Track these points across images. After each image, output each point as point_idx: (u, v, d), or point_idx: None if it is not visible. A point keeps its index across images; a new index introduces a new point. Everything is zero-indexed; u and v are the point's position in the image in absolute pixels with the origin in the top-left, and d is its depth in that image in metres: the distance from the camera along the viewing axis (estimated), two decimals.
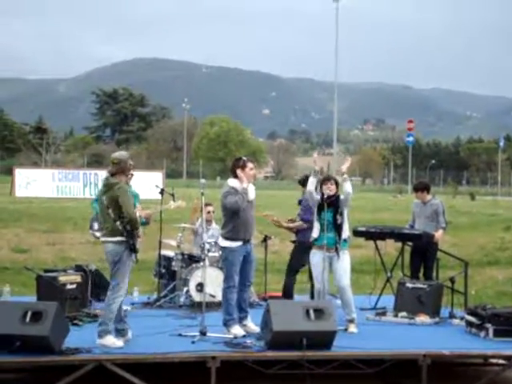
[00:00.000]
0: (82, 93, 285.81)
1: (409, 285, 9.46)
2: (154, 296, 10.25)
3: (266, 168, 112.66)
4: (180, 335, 7.89)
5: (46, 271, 9.60)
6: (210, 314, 8.31)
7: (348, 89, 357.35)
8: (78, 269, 9.60)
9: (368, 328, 8.67)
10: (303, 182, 9.86)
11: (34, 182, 36.40)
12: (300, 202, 10.02)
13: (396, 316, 9.24)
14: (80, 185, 36.87)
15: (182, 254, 10.36)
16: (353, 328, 8.49)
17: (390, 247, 10.93)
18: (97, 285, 9.68)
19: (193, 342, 7.50)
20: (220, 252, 9.08)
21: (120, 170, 7.60)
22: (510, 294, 13.25)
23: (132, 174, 8.30)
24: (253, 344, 7.49)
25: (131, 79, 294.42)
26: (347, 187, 8.43)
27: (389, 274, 10.39)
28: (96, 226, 9.80)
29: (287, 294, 9.93)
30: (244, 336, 7.89)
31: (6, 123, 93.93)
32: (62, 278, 8.96)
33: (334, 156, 63.83)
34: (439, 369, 7.64)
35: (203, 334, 7.68)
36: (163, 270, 10.44)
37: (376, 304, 10.04)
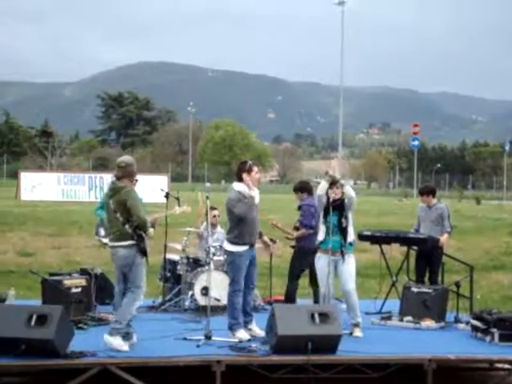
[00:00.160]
0: (88, 96, 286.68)
1: (414, 289, 9.44)
2: (159, 300, 10.26)
3: (272, 172, 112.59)
4: (185, 339, 7.88)
5: (51, 275, 9.61)
6: (215, 318, 8.31)
7: (353, 93, 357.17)
8: (83, 272, 9.61)
9: (373, 332, 8.67)
10: (300, 189, 9.89)
11: (39, 186, 36.40)
12: (300, 208, 10.01)
13: (401, 320, 9.23)
14: (85, 188, 36.85)
15: (187, 258, 10.36)
16: (358, 332, 8.47)
17: (396, 251, 10.93)
18: (102, 288, 9.69)
19: (198, 346, 7.50)
20: (225, 256, 9.08)
21: (126, 173, 7.61)
22: None
23: (137, 180, 8.33)
24: (258, 348, 7.48)
25: (136, 83, 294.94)
26: (349, 192, 8.42)
27: (394, 279, 10.38)
28: (102, 232, 9.80)
29: (289, 298, 9.90)
30: (249, 340, 7.89)
31: (12, 127, 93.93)
32: (67, 282, 8.98)
33: (339, 160, 63.79)
34: (444, 374, 7.60)
35: (208, 337, 7.68)
36: (168, 274, 10.44)
37: (381, 308, 10.03)
